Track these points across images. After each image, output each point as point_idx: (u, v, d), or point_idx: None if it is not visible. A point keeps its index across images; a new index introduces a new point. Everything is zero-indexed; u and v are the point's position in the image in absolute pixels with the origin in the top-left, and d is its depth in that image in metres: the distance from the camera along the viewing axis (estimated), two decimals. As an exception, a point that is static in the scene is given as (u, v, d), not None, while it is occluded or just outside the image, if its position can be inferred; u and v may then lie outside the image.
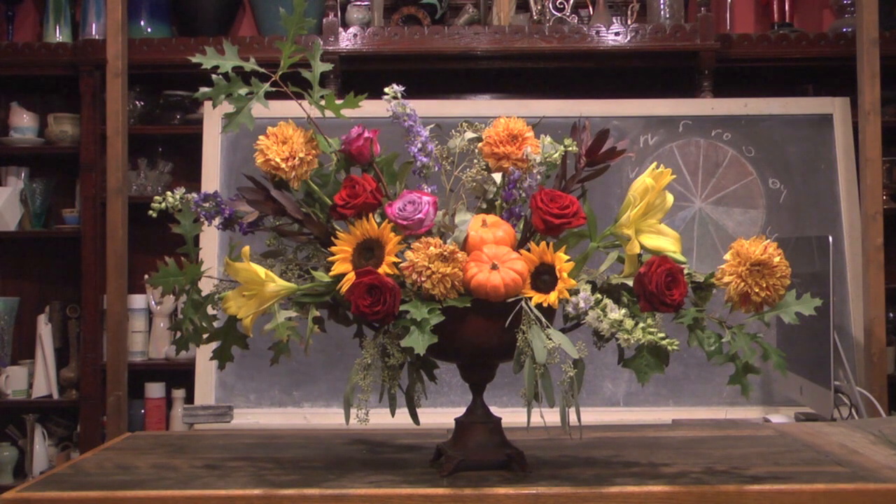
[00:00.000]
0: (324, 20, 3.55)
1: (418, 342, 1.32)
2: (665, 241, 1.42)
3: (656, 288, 1.34)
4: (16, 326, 3.86)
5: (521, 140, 1.46)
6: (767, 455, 1.61)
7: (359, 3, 3.73)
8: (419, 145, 1.48)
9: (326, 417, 3.02)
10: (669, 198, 1.45)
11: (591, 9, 3.75)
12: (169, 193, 1.49)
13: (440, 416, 1.77)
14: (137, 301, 3.70)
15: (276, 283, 1.38)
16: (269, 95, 1.46)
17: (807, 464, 1.53)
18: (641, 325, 1.33)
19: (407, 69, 3.56)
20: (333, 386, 3.08)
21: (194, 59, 1.46)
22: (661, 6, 3.64)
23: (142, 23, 3.77)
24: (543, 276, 1.38)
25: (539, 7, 3.70)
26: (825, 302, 1.94)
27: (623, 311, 1.35)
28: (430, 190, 1.46)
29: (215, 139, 3.26)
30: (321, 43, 2.64)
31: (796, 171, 3.28)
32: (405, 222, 1.38)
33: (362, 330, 1.49)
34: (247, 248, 1.40)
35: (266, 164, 1.42)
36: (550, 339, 1.35)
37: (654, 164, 1.44)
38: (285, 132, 1.43)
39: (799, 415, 2.81)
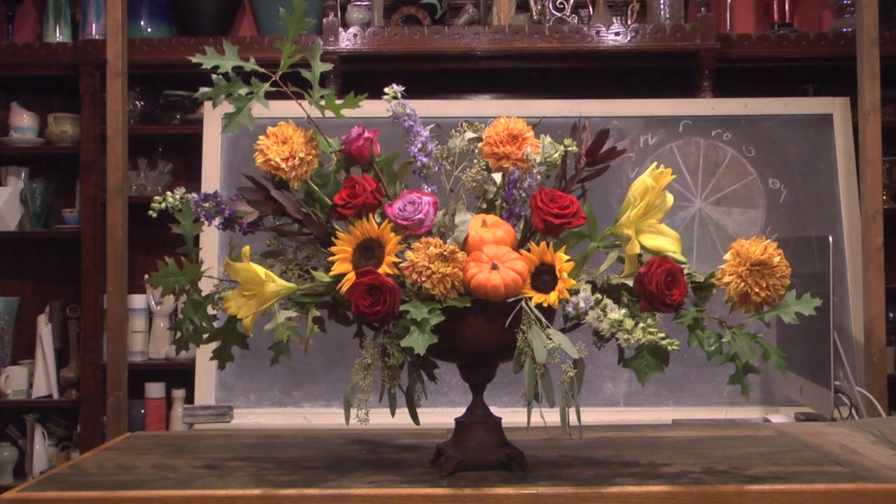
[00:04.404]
0: (324, 20, 3.55)
1: (418, 342, 1.32)
2: (665, 241, 1.42)
3: (656, 288, 1.34)
4: (16, 326, 3.87)
5: (521, 140, 1.46)
6: (767, 455, 1.61)
7: (359, 3, 3.73)
8: (419, 145, 1.48)
9: (326, 417, 3.02)
10: (669, 198, 1.45)
11: (591, 9, 3.75)
12: (169, 193, 1.49)
13: (440, 416, 1.77)
14: (137, 301, 3.71)
15: (276, 283, 1.38)
16: (269, 95, 1.46)
17: (807, 464, 1.53)
18: (641, 325, 1.33)
19: (407, 69, 3.56)
20: (333, 386, 3.08)
21: (194, 59, 1.46)
22: (661, 6, 3.64)
23: (142, 23, 3.77)
24: (543, 276, 1.38)
25: (539, 7, 3.70)
26: (825, 302, 1.94)
27: (623, 311, 1.35)
28: (430, 190, 1.46)
29: (215, 139, 3.26)
30: (321, 43, 2.64)
31: (796, 171, 3.28)
32: (405, 222, 1.38)
33: (362, 330, 1.49)
34: (247, 248, 1.40)
35: (266, 164, 1.42)
36: (550, 339, 1.34)
37: (654, 164, 1.44)
38: (285, 132, 1.43)
39: (799, 415, 2.81)
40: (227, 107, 1.43)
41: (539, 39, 3.55)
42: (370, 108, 1.48)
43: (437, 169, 1.51)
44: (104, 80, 3.25)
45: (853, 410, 2.58)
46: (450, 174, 1.53)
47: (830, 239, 2.47)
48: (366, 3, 3.72)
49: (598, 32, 3.55)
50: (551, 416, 1.39)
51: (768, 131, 3.30)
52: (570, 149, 1.45)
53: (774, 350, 1.38)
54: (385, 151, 1.49)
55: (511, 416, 1.60)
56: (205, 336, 1.49)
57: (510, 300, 1.37)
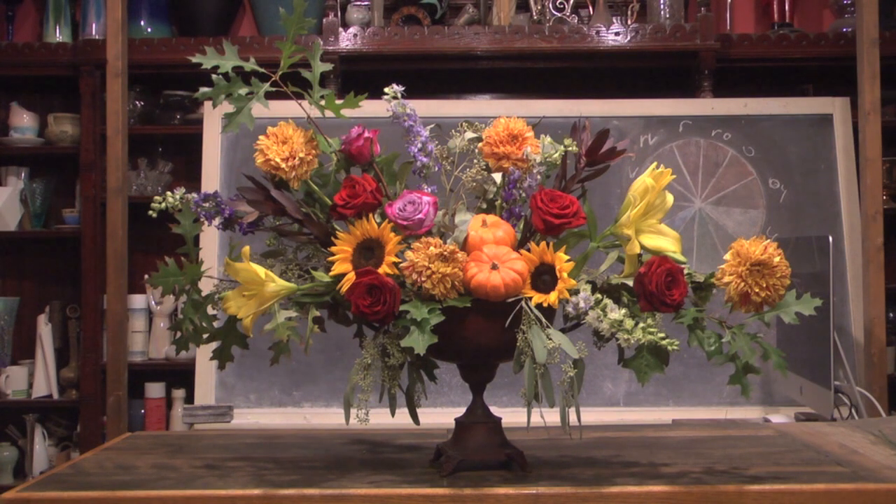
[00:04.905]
0: (324, 20, 3.55)
1: (418, 342, 1.32)
2: (665, 241, 1.42)
3: (656, 288, 1.34)
4: (16, 326, 3.86)
5: (521, 140, 1.46)
6: (767, 455, 1.61)
7: (359, 3, 3.73)
8: (419, 145, 1.48)
9: (326, 417, 3.02)
10: (669, 198, 1.45)
11: (591, 9, 3.75)
12: (169, 193, 1.49)
13: (440, 416, 1.77)
14: (137, 301, 3.71)
15: (276, 283, 1.38)
16: (269, 95, 1.46)
17: (807, 464, 1.53)
18: (641, 325, 1.33)
19: (407, 69, 3.56)
20: (333, 386, 3.08)
21: (194, 59, 1.46)
22: (661, 6, 3.64)
23: (142, 23, 3.77)
24: (543, 276, 1.38)
25: (539, 7, 3.70)
26: (825, 302, 1.94)
27: (623, 311, 1.35)
28: (430, 190, 1.46)
29: (215, 139, 3.26)
30: (321, 43, 2.64)
31: (796, 171, 3.28)
32: (405, 222, 1.38)
33: (362, 330, 1.49)
34: (247, 248, 1.40)
35: (266, 164, 1.42)
36: (550, 339, 1.34)
37: (654, 164, 1.44)
38: (285, 132, 1.43)
39: (799, 415, 2.81)
40: (227, 107, 1.43)
41: (539, 39, 3.55)
42: (370, 108, 1.48)
43: (437, 169, 1.50)
44: (104, 80, 3.25)
45: (853, 410, 2.58)
46: (450, 174, 1.53)
47: (830, 239, 2.47)
48: (366, 3, 3.73)
49: (598, 32, 3.55)
50: (551, 416, 1.39)
51: (768, 131, 3.30)
52: (570, 149, 1.45)
53: (774, 350, 1.38)
54: (385, 151, 1.49)
55: (511, 416, 1.60)
56: (205, 336, 1.49)
57: (510, 300, 1.37)
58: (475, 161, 1.51)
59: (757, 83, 3.83)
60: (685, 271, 1.40)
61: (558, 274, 1.37)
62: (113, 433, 3.04)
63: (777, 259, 1.38)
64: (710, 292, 1.45)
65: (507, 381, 1.59)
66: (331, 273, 1.40)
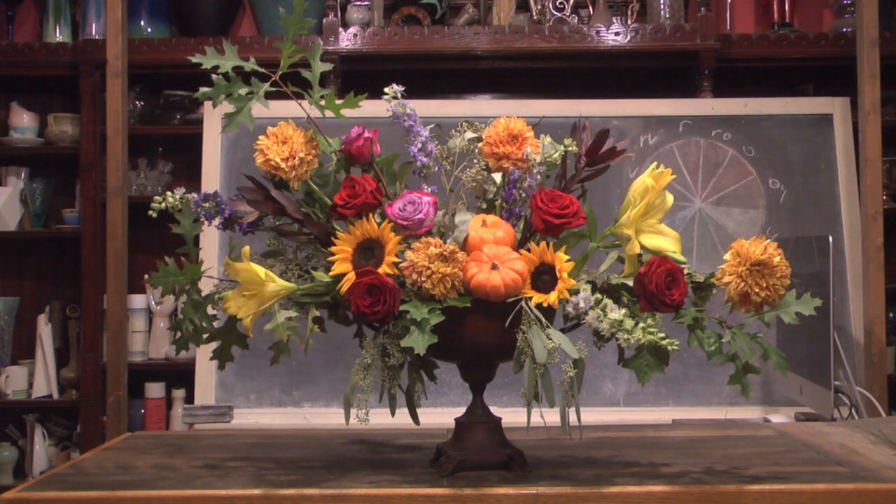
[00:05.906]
0: (324, 20, 3.55)
1: (418, 342, 1.32)
2: (665, 241, 1.42)
3: (656, 288, 1.34)
4: (16, 326, 3.87)
5: (521, 140, 1.46)
6: (767, 455, 1.61)
7: (359, 3, 3.73)
8: (419, 145, 1.48)
9: (326, 417, 3.02)
10: (669, 198, 1.45)
11: (591, 9, 3.75)
12: (169, 193, 1.49)
13: (440, 416, 1.77)
14: (137, 301, 3.71)
15: (276, 283, 1.38)
16: (269, 95, 1.46)
17: (807, 464, 1.53)
18: (641, 325, 1.33)
19: (407, 69, 3.56)
20: (333, 386, 3.08)
21: (194, 59, 1.46)
22: (661, 6, 3.64)
23: (142, 23, 3.77)
24: (543, 276, 1.38)
25: (539, 7, 3.70)
26: (825, 302, 1.94)
27: (623, 311, 1.35)
28: (430, 190, 1.46)
29: (215, 139, 3.26)
30: (321, 43, 2.64)
31: (796, 171, 3.28)
32: (405, 222, 1.38)
33: (362, 330, 1.49)
34: (247, 248, 1.40)
35: (266, 164, 1.42)
36: (550, 339, 1.34)
37: (654, 164, 1.44)
38: (285, 132, 1.43)
39: (799, 415, 2.81)
40: (227, 107, 1.43)
41: (539, 39, 3.55)
42: (370, 108, 1.48)
43: (437, 169, 1.51)
44: (104, 80, 3.25)
45: (853, 410, 2.58)
46: (450, 174, 1.53)
47: (830, 239, 2.47)
48: (366, 3, 3.73)
49: (598, 32, 3.55)
50: (551, 416, 1.39)
51: (768, 131, 3.30)
52: (570, 149, 1.45)
53: (774, 350, 1.38)
54: (385, 151, 1.49)
55: (511, 416, 1.60)
56: (205, 336, 1.49)
57: (510, 300, 1.37)
58: (475, 161, 1.51)
59: (757, 83, 3.83)
60: (685, 271, 1.40)
61: (558, 274, 1.37)
62: (113, 433, 3.04)
63: (777, 259, 1.38)
64: (710, 292, 1.45)
65: (507, 381, 1.59)
66: (331, 273, 1.40)
